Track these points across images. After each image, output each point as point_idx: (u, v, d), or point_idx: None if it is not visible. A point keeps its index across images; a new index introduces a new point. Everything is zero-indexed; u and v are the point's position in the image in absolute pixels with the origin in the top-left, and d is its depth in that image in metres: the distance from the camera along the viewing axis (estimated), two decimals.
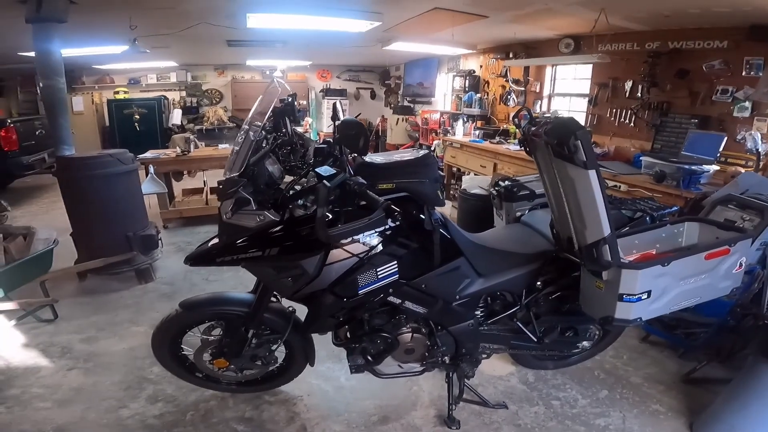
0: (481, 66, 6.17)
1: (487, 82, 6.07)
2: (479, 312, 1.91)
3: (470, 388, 2.07)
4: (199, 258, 1.62)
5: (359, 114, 6.01)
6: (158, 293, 3.20)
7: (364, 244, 1.53)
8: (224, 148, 5.22)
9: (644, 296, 1.50)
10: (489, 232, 2.08)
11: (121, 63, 7.05)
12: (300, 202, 1.61)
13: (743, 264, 1.63)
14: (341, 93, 9.21)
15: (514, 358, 2.31)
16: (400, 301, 1.70)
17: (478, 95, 6.08)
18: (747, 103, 3.24)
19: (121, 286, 3.25)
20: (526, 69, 5.30)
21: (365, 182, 1.40)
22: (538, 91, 5.28)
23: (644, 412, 2.03)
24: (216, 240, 1.64)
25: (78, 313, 2.87)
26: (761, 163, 3.01)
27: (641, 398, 2.12)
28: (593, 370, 2.32)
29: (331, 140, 1.67)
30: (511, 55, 5.42)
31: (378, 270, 1.58)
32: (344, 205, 1.45)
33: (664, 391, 2.16)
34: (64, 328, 2.70)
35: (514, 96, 5.47)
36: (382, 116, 8.57)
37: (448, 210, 4.85)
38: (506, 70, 5.54)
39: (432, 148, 6.62)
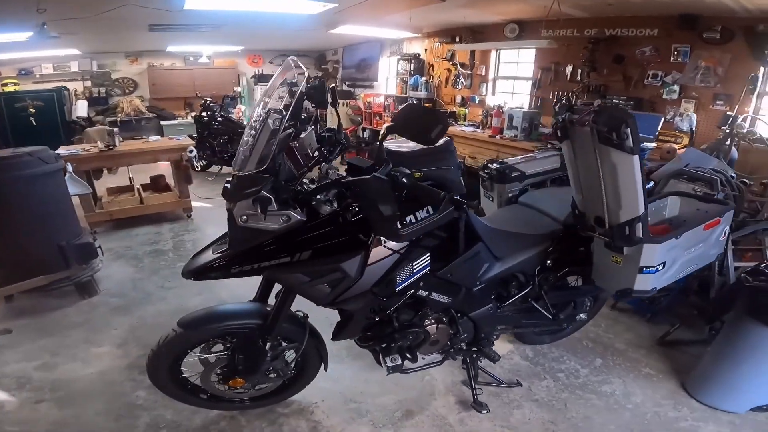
0: (426, 50, 6.19)
1: (432, 66, 6.12)
2: (493, 295, 1.93)
3: (484, 370, 2.10)
4: (206, 270, 1.39)
5: None
6: (109, 307, 2.79)
7: None
8: (156, 140, 4.63)
9: (660, 267, 1.62)
10: (494, 215, 2.09)
11: (8, 53, 5.92)
12: (320, 197, 1.45)
13: (726, 232, 1.82)
14: None
15: (516, 336, 2.38)
16: (427, 293, 1.65)
17: (424, 78, 6.11)
18: (675, 87, 3.64)
19: (63, 303, 2.78)
20: (472, 53, 5.43)
21: (411, 173, 1.29)
22: (483, 74, 5.44)
23: (639, 376, 2.19)
24: (224, 247, 1.42)
25: (20, 338, 2.42)
26: (693, 141, 3.42)
27: (631, 363, 2.28)
28: (581, 341, 2.46)
29: (336, 127, 1.50)
30: (458, 39, 5.50)
31: (414, 264, 1.50)
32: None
33: (647, 355, 2.35)
34: (10, 356, 2.26)
35: (462, 79, 5.59)
36: None
37: None
38: (452, 54, 5.63)
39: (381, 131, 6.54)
